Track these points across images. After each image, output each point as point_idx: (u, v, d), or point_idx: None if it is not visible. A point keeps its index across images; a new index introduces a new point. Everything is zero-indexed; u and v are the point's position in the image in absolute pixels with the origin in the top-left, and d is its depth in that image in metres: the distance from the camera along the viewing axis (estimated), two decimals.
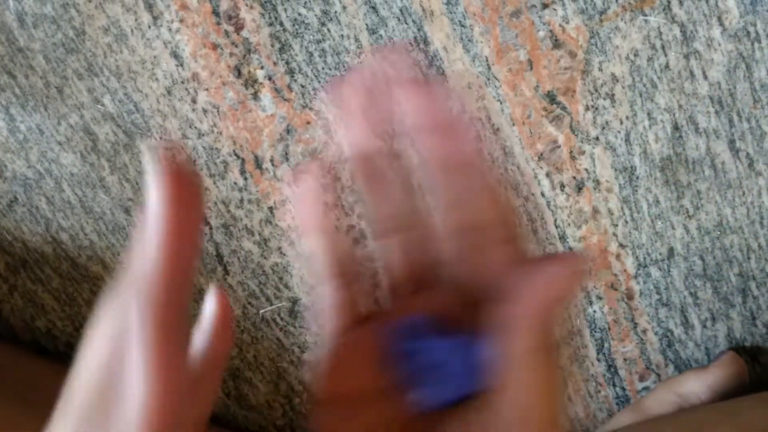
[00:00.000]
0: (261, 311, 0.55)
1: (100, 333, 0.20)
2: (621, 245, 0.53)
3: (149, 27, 0.48)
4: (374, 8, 0.48)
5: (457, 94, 0.22)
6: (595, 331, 0.56)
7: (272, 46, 0.49)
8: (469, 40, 0.49)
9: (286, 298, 0.55)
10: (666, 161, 0.51)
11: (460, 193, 0.23)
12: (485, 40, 0.49)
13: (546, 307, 0.21)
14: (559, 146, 0.51)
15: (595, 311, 0.55)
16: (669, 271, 0.54)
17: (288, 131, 0.51)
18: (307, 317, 0.56)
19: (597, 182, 0.52)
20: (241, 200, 0.52)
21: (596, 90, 0.50)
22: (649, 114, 0.50)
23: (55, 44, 0.49)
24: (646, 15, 0.48)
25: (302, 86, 0.50)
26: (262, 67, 0.49)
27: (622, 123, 0.50)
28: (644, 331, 0.56)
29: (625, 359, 0.56)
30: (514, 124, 0.50)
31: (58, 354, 0.58)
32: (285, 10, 0.48)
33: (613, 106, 0.50)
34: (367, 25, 0.48)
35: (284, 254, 0.54)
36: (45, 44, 0.49)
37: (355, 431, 0.21)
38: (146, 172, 0.20)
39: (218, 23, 0.48)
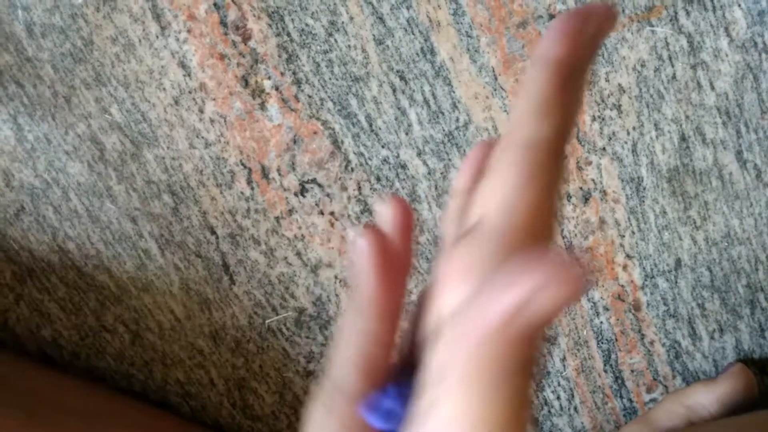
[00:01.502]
0: (267, 321, 0.55)
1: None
2: (628, 256, 0.53)
3: (157, 37, 0.49)
4: (381, 19, 0.48)
5: None
6: (602, 343, 0.55)
7: (279, 56, 0.49)
8: (475, 51, 0.49)
9: (292, 308, 0.55)
10: (673, 172, 0.51)
11: None
12: (492, 50, 0.49)
13: (509, 322, 0.15)
14: (565, 157, 0.51)
15: (602, 322, 0.55)
16: (676, 282, 0.54)
17: (295, 141, 0.51)
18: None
19: (604, 193, 0.52)
20: (248, 210, 0.52)
21: (603, 100, 0.50)
22: (656, 125, 0.50)
23: (63, 54, 0.49)
24: (653, 26, 0.48)
25: (309, 96, 0.50)
26: (269, 78, 0.49)
27: (629, 134, 0.50)
28: (651, 343, 0.55)
29: (632, 371, 0.56)
30: None
31: (64, 364, 0.58)
32: (292, 20, 0.48)
33: (620, 117, 0.50)
34: (374, 35, 0.48)
35: (290, 264, 0.54)
36: (53, 54, 0.49)
37: None
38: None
39: (226, 33, 0.49)
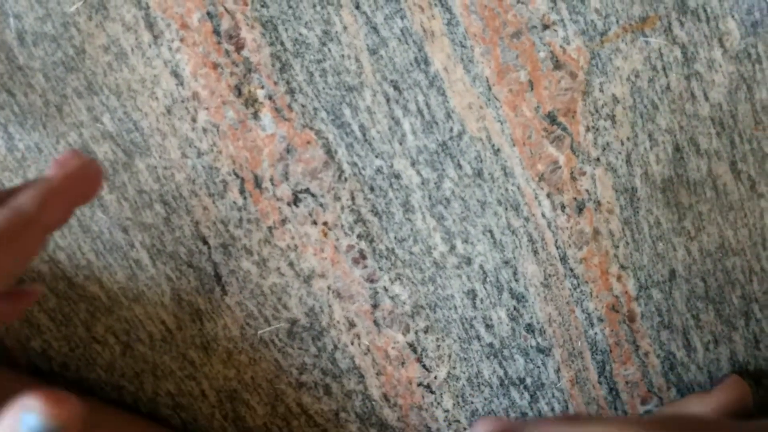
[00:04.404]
0: (259, 332, 0.55)
1: None
2: (622, 267, 0.53)
3: (149, 46, 0.48)
4: (375, 28, 0.48)
5: None
6: (596, 354, 0.55)
7: (273, 65, 0.49)
8: (469, 61, 0.49)
9: (285, 319, 0.55)
10: (667, 182, 0.51)
11: None
12: (486, 60, 0.49)
13: None
14: (559, 167, 0.51)
15: (596, 333, 0.55)
16: (671, 293, 0.54)
17: (288, 151, 0.50)
18: None
19: (598, 203, 0.52)
20: (240, 220, 0.52)
21: (597, 111, 0.50)
22: (650, 135, 0.50)
23: (54, 63, 0.49)
24: (647, 36, 0.48)
25: (303, 106, 0.50)
26: (262, 87, 0.49)
27: (623, 144, 0.50)
28: (646, 354, 0.55)
29: (626, 382, 0.56)
30: (514, 145, 0.50)
31: (53, 375, 0.57)
32: (286, 29, 0.48)
33: (614, 127, 0.50)
34: (367, 45, 0.48)
35: (283, 274, 0.53)
36: (45, 63, 0.49)
37: None
38: None
39: (219, 42, 0.48)
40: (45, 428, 0.24)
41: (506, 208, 0.52)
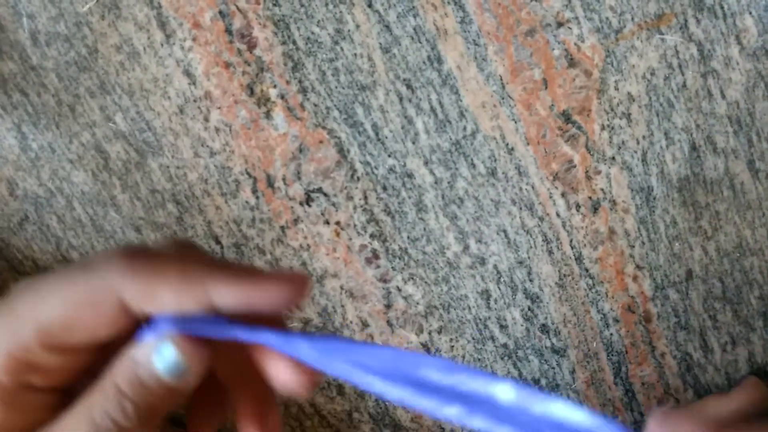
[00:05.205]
0: None
1: None
2: (638, 267, 0.52)
3: (162, 45, 0.48)
4: (388, 27, 0.48)
5: None
6: (612, 355, 0.55)
7: (285, 64, 0.49)
8: (483, 59, 0.48)
9: (298, 319, 0.54)
10: (683, 181, 0.50)
11: None
12: (499, 59, 0.48)
13: None
14: (574, 166, 0.50)
15: (611, 334, 0.54)
16: (687, 293, 0.53)
17: (300, 150, 0.50)
18: None
19: (613, 202, 0.51)
20: (253, 219, 0.52)
21: (612, 109, 0.49)
22: (666, 134, 0.49)
23: (67, 62, 0.49)
24: (662, 34, 0.47)
25: (315, 105, 0.49)
26: (274, 86, 0.49)
27: (638, 143, 0.50)
28: (662, 355, 0.54)
29: (643, 383, 0.55)
30: (528, 144, 0.50)
31: None
32: (298, 28, 0.48)
33: (630, 126, 0.49)
34: (380, 44, 0.48)
35: None
36: (58, 62, 0.49)
37: None
38: None
39: (231, 42, 0.48)
40: (177, 363, 0.25)
41: (520, 208, 0.51)
